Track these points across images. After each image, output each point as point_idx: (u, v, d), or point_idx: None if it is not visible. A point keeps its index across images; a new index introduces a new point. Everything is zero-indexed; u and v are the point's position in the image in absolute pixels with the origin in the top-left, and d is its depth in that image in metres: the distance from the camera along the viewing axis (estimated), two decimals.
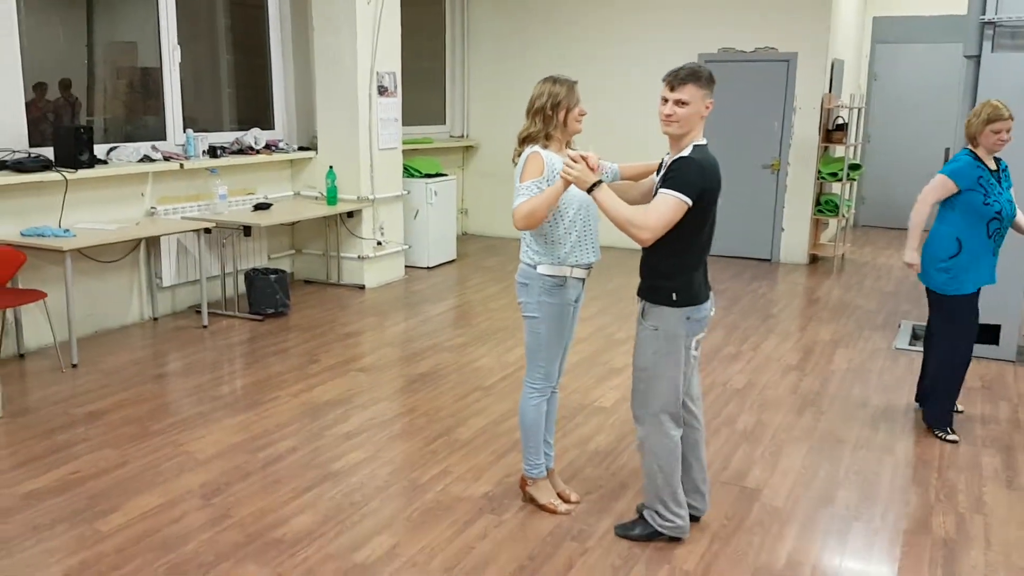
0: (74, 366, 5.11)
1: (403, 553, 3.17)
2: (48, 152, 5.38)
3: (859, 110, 9.21)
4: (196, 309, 6.29)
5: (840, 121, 8.88)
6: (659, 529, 3.27)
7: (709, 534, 3.37)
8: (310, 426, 4.35)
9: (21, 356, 5.28)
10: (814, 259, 9.10)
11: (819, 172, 8.80)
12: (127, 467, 3.81)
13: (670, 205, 2.91)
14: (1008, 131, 4.18)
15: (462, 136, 10.01)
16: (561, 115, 3.25)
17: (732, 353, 5.80)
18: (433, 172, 8.41)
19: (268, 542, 3.22)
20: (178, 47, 6.39)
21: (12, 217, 5.18)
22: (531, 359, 3.40)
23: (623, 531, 3.34)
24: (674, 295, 3.05)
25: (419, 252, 8.19)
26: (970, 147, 4.30)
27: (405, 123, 8.01)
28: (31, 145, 5.35)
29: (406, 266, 7.98)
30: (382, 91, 7.31)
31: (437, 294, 7.33)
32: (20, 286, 5.09)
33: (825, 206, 8.96)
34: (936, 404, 4.41)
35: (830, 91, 8.81)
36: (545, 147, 3.25)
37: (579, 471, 3.90)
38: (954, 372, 4.37)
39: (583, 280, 3.35)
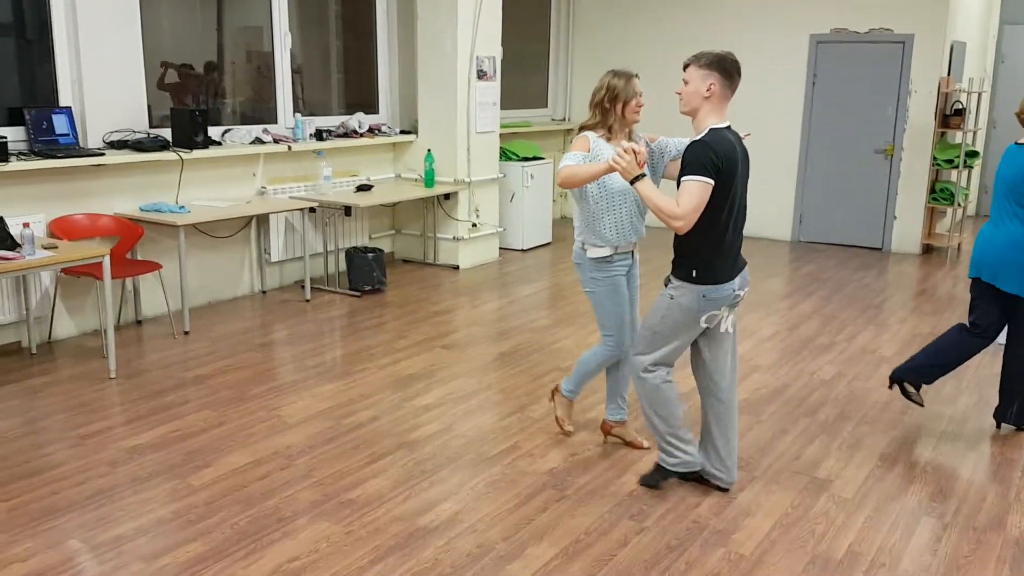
0: (186, 333, 5.51)
1: (465, 520, 3.32)
2: (167, 133, 5.78)
3: (979, 94, 8.72)
4: (301, 284, 6.63)
5: (958, 106, 8.45)
6: (669, 468, 3.53)
7: (771, 521, 3.37)
8: (392, 397, 4.55)
9: (139, 322, 5.73)
10: (928, 249, 8.73)
11: (934, 158, 8.41)
12: (223, 427, 4.12)
13: (695, 190, 3.10)
14: None
15: (564, 120, 10.07)
16: (619, 107, 3.57)
17: (825, 343, 5.68)
18: (531, 156, 8.51)
19: (342, 502, 3.43)
20: (289, 33, 6.72)
21: (132, 193, 5.61)
22: (602, 329, 3.81)
23: (644, 481, 3.60)
24: (694, 272, 3.26)
25: (514, 234, 8.32)
26: None
27: (506, 107, 8.15)
28: (151, 126, 5.76)
29: (501, 248, 8.13)
30: (481, 75, 7.46)
31: (528, 276, 7.46)
32: (139, 258, 5.52)
33: (940, 194, 8.56)
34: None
35: (948, 74, 8.40)
36: (600, 135, 3.58)
37: (645, 454, 3.95)
38: None
39: (630, 253, 3.72)
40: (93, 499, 3.41)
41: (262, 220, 6.49)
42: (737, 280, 3.33)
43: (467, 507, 3.42)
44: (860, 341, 5.75)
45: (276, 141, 6.47)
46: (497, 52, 7.60)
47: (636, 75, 3.56)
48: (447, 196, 7.52)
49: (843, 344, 5.67)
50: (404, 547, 3.12)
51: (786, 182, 8.90)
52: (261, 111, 6.83)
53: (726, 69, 3.19)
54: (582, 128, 3.64)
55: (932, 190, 8.58)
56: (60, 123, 5.24)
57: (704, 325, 3.35)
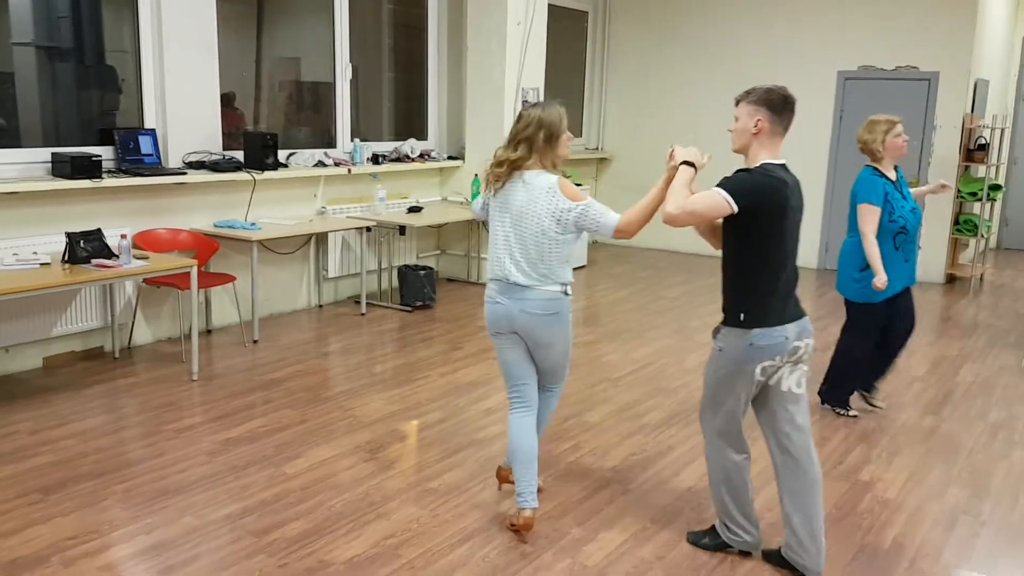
0: (255, 342, 5.86)
1: (539, 508, 3.61)
2: (239, 155, 6.17)
3: (1002, 131, 9.06)
4: (355, 299, 6.99)
5: (982, 141, 8.78)
6: (727, 542, 3.30)
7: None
8: (455, 402, 4.87)
9: (209, 331, 6.08)
10: (951, 279, 9.01)
11: (958, 191, 8.72)
12: (305, 424, 4.45)
13: (711, 198, 2.95)
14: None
15: (597, 148, 10.46)
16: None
17: None
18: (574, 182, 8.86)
19: (425, 490, 3.75)
20: (350, 64, 7.14)
21: (207, 210, 5.99)
22: None
23: (694, 538, 3.39)
24: (742, 315, 3.03)
25: None
26: (872, 165, 4.60)
27: None
28: (223, 149, 6.15)
29: None
30: (526, 105, 7.83)
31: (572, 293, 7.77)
32: (211, 270, 5.88)
33: (964, 226, 8.87)
34: (836, 388, 4.92)
35: (972, 111, 8.74)
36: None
37: (697, 458, 4.25)
38: (851, 366, 4.85)
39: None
40: (199, 483, 3.74)
41: (321, 238, 6.86)
42: (792, 328, 3.03)
43: (540, 497, 3.71)
44: None
45: (336, 164, 6.86)
46: (540, 83, 8.00)
47: (562, 104, 3.46)
48: None
49: None
50: (487, 529, 3.43)
51: (813, 212, 9.22)
52: (309, 137, 7.23)
53: (776, 106, 3.04)
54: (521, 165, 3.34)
55: (956, 222, 8.89)
56: (145, 144, 5.63)
57: (760, 378, 3.06)
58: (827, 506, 3.76)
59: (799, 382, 3.10)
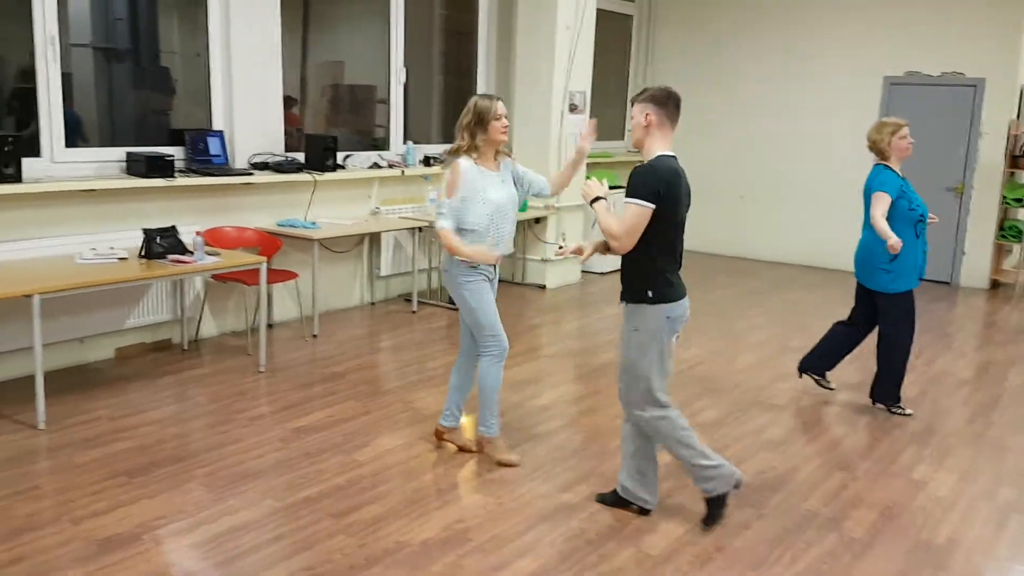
0: (314, 336, 6.06)
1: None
2: (299, 157, 6.37)
3: None
4: (406, 297, 7.17)
5: None
6: (723, 490, 3.50)
7: (876, 512, 3.76)
8: (511, 398, 5.01)
9: (270, 326, 6.28)
10: (995, 284, 9.00)
11: (1004, 197, 8.73)
12: (370, 415, 4.62)
13: (632, 212, 3.29)
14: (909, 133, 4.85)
15: (638, 151, 10.54)
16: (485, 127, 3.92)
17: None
18: (611, 185, 8.99)
19: (489, 479, 3.90)
20: (404, 69, 7.33)
21: (270, 210, 6.20)
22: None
23: (711, 522, 3.54)
24: (649, 293, 3.38)
25: (595, 258, 8.74)
26: (884, 164, 4.89)
27: None
28: (284, 151, 6.36)
29: (582, 271, 8.61)
30: (572, 108, 7.99)
31: (609, 297, 7.91)
32: (273, 267, 6.08)
33: (1009, 232, 8.86)
34: (887, 385, 5.04)
35: (1018, 117, 8.73)
36: (473, 159, 3.99)
37: (754, 455, 4.37)
38: (899, 359, 5.01)
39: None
40: (275, 468, 3.92)
41: (374, 237, 7.05)
42: (686, 300, 3.47)
43: (600, 488, 3.86)
44: (939, 365, 6.10)
45: (390, 166, 7.05)
46: (587, 86, 8.13)
47: (500, 98, 3.96)
48: (537, 220, 8.03)
49: (923, 367, 6.02)
50: (551, 518, 3.58)
51: (858, 214, 9.24)
52: (362, 139, 7.42)
53: (660, 100, 3.42)
54: (453, 153, 3.93)
55: (1000, 227, 8.88)
56: (214, 145, 5.85)
57: (671, 345, 3.46)
58: (883, 501, 3.87)
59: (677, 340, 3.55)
